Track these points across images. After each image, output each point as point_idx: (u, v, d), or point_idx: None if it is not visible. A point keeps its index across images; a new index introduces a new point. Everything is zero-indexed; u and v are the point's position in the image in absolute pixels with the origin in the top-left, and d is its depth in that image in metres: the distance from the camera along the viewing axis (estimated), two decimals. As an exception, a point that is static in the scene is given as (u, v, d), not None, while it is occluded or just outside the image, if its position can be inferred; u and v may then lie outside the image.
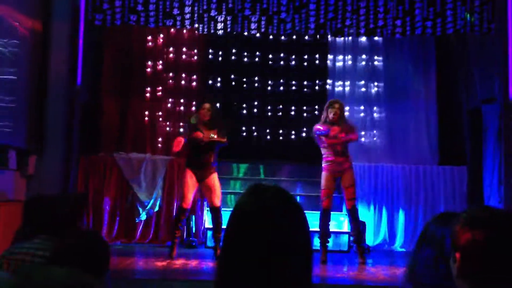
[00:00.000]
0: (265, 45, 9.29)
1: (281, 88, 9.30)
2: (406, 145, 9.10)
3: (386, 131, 9.13)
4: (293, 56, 9.34)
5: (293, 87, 9.31)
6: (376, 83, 9.22)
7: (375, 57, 9.26)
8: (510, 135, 7.12)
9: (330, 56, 9.24)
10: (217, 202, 6.58)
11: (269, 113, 9.27)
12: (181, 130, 7.83)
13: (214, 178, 6.60)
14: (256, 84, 9.29)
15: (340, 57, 9.22)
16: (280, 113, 9.27)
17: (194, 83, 9.12)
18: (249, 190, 1.45)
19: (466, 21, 7.37)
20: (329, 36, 9.08)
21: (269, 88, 9.30)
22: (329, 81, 9.21)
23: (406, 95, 9.20)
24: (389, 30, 7.42)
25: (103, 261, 2.23)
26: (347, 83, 9.24)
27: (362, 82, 9.22)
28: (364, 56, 9.25)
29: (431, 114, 9.19)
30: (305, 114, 9.26)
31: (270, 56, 9.31)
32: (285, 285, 1.34)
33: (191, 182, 6.54)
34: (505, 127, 7.19)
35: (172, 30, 8.96)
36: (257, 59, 9.30)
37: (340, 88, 9.25)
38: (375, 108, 9.22)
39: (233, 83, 9.25)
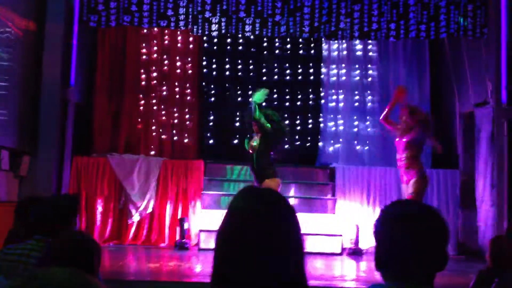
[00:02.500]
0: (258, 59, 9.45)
1: (275, 102, 9.44)
2: (399, 148, 9.13)
3: (379, 133, 9.17)
4: (288, 70, 9.48)
5: (287, 102, 9.47)
6: (370, 90, 9.32)
7: (369, 63, 9.36)
8: (502, 138, 7.17)
9: (323, 70, 9.39)
10: None
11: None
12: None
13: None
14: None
15: (334, 68, 9.37)
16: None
17: (188, 91, 9.20)
18: (242, 192, 1.46)
19: (460, 25, 7.41)
20: (323, 51, 9.25)
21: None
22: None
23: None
24: (383, 33, 7.46)
25: (94, 260, 2.23)
26: (343, 74, 9.38)
27: (357, 78, 9.34)
28: (358, 56, 9.37)
29: (424, 117, 9.23)
30: (298, 122, 9.42)
31: (264, 70, 9.45)
32: (279, 284, 1.35)
33: None
34: (498, 130, 7.23)
35: (166, 42, 9.09)
36: (251, 73, 9.43)
37: (334, 78, 9.40)
38: (369, 111, 9.28)
39: (227, 93, 9.40)
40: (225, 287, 1.37)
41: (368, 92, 9.31)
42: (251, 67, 9.44)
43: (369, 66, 9.34)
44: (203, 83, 9.34)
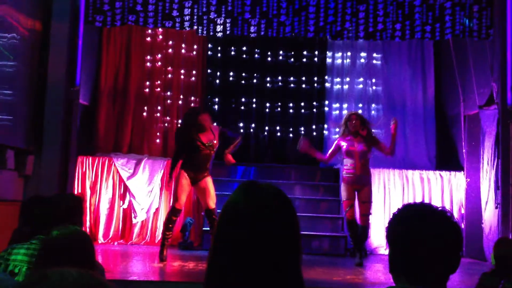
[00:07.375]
0: (262, 67, 9.48)
1: (279, 109, 9.51)
2: (403, 149, 9.12)
3: (384, 136, 9.15)
4: (291, 78, 9.52)
5: (291, 110, 9.52)
6: (374, 87, 9.31)
7: (374, 61, 9.35)
8: (508, 140, 7.14)
9: (327, 78, 9.41)
10: (211, 204, 6.56)
11: (266, 128, 9.55)
12: None
13: (208, 181, 6.60)
14: (254, 105, 9.47)
15: (338, 76, 9.37)
16: (278, 128, 9.55)
17: (192, 98, 9.28)
18: (242, 187, 1.42)
19: (465, 26, 7.39)
20: (327, 58, 9.26)
21: (267, 110, 9.54)
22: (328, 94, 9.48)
23: (404, 100, 9.25)
24: (388, 33, 7.44)
25: (88, 252, 2.20)
26: (346, 84, 9.35)
27: (360, 86, 9.33)
28: (362, 61, 9.36)
29: (428, 118, 9.22)
30: (302, 129, 9.47)
31: (268, 78, 9.49)
32: (276, 283, 1.32)
33: (185, 183, 6.53)
34: (503, 132, 7.20)
35: (170, 49, 9.12)
36: (254, 80, 9.46)
37: (339, 86, 9.35)
38: (373, 112, 9.28)
39: (232, 99, 9.38)
40: (219, 285, 1.33)
41: (372, 98, 9.33)
42: (255, 74, 9.48)
43: (373, 71, 9.34)
44: (207, 89, 9.38)
